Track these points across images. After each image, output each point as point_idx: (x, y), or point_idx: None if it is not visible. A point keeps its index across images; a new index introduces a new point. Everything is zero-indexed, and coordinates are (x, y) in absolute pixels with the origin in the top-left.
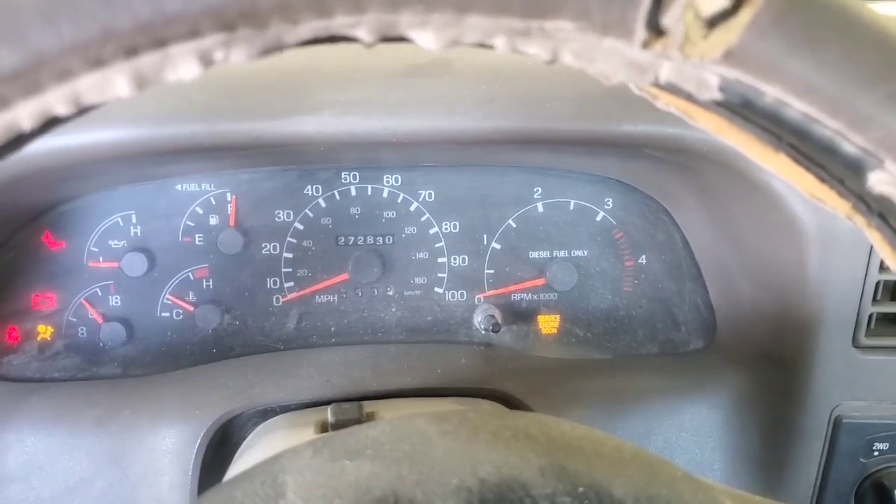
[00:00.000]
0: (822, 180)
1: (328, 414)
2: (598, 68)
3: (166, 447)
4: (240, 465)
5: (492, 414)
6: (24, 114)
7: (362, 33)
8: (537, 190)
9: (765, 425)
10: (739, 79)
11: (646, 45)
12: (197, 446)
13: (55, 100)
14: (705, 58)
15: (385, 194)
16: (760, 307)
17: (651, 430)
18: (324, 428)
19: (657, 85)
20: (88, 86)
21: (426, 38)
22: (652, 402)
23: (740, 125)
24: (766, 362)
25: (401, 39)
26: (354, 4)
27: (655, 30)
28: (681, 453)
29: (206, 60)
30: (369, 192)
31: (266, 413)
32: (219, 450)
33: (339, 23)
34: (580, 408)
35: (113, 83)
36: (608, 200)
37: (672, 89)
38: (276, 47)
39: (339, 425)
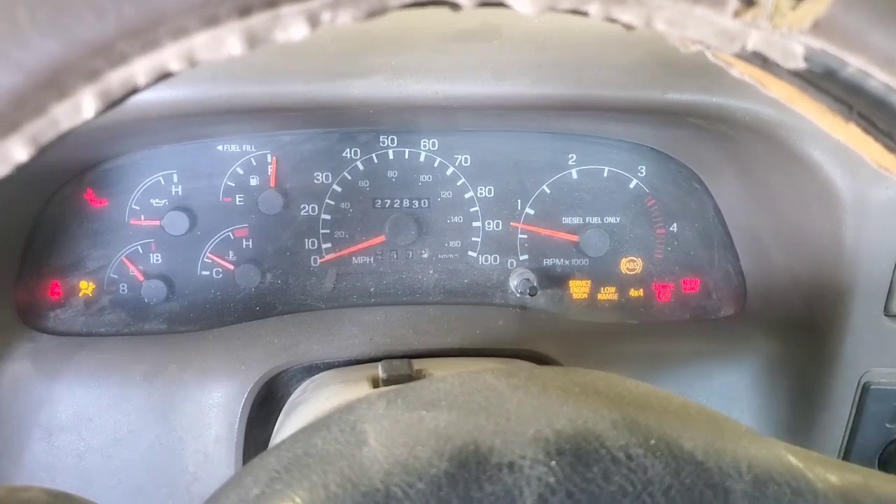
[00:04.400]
0: (890, 150)
1: (379, 370)
2: (689, 36)
3: (213, 401)
4: (294, 417)
5: (557, 370)
6: (141, 69)
7: None
8: (572, 156)
9: (793, 390)
10: (825, 49)
11: (737, 14)
12: (243, 401)
13: (170, 57)
14: (793, 28)
15: (422, 158)
16: (793, 275)
17: (682, 394)
18: (376, 383)
19: (742, 54)
20: (202, 44)
21: (523, 3)
22: (683, 367)
23: (813, 95)
24: (797, 329)
25: (497, 5)
26: None
27: (747, 0)
28: None
29: (313, 21)
30: (406, 156)
31: (310, 369)
32: (264, 404)
33: None
34: (614, 370)
35: (225, 42)
36: (642, 168)
37: (755, 58)
38: (380, 10)
39: (391, 381)
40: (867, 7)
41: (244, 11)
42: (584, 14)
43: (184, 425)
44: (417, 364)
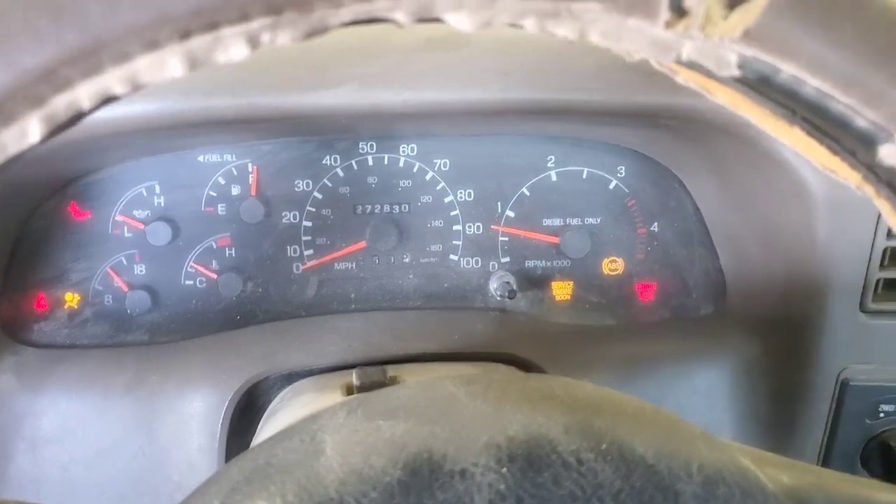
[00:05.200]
0: (835, 152)
1: (353, 377)
2: (624, 47)
3: (194, 411)
4: (270, 425)
5: (516, 376)
6: (85, 94)
7: (400, 16)
8: (551, 158)
9: (773, 388)
10: (757, 56)
11: (669, 25)
12: (224, 410)
13: (113, 80)
14: (725, 37)
15: (401, 163)
16: (769, 273)
17: (663, 394)
18: (350, 390)
19: (678, 62)
20: (144, 67)
21: (460, 19)
22: (664, 367)
23: (756, 100)
24: (775, 326)
25: (435, 20)
26: None
27: (678, 11)
28: (692, 416)
29: (253, 43)
30: (386, 162)
31: (290, 377)
32: (245, 412)
33: (380, 6)
34: (595, 372)
35: (167, 64)
36: (621, 168)
37: (692, 66)
38: (320, 30)
39: (364, 388)
40: (797, 15)
41: (184, 34)
42: (521, 27)
43: (167, 435)
44: (392, 371)
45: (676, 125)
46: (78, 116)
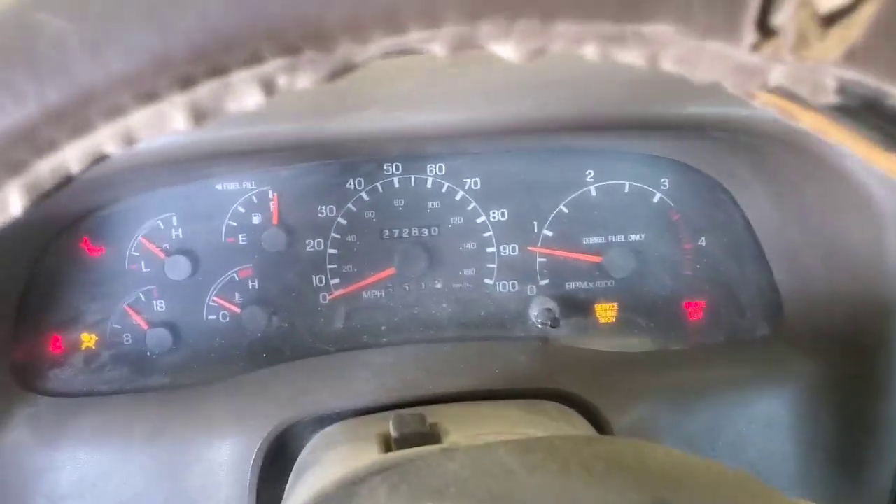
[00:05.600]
0: None
1: (390, 427)
2: (701, 74)
3: (221, 460)
4: (302, 482)
5: (579, 441)
6: (73, 155)
7: (437, 47)
8: (589, 173)
9: (840, 415)
10: (862, 80)
11: (755, 47)
12: (253, 459)
13: (105, 139)
14: (823, 60)
15: (429, 184)
16: (832, 290)
17: (720, 424)
18: (387, 442)
19: (765, 89)
20: (141, 122)
21: (508, 49)
22: (719, 394)
23: (850, 126)
24: (840, 349)
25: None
26: (430, 18)
27: (765, 30)
28: (752, 446)
29: (269, 88)
30: (413, 183)
31: (322, 420)
32: (276, 459)
33: (414, 38)
34: (647, 404)
35: (168, 117)
36: (664, 181)
37: (781, 92)
38: (344, 69)
39: (402, 439)
40: None
41: (187, 83)
42: (580, 55)
43: (193, 486)
44: (432, 415)
45: (727, 136)
46: (66, 181)
